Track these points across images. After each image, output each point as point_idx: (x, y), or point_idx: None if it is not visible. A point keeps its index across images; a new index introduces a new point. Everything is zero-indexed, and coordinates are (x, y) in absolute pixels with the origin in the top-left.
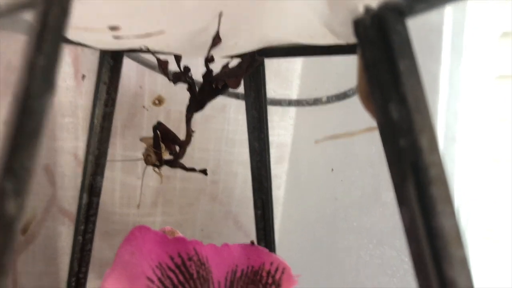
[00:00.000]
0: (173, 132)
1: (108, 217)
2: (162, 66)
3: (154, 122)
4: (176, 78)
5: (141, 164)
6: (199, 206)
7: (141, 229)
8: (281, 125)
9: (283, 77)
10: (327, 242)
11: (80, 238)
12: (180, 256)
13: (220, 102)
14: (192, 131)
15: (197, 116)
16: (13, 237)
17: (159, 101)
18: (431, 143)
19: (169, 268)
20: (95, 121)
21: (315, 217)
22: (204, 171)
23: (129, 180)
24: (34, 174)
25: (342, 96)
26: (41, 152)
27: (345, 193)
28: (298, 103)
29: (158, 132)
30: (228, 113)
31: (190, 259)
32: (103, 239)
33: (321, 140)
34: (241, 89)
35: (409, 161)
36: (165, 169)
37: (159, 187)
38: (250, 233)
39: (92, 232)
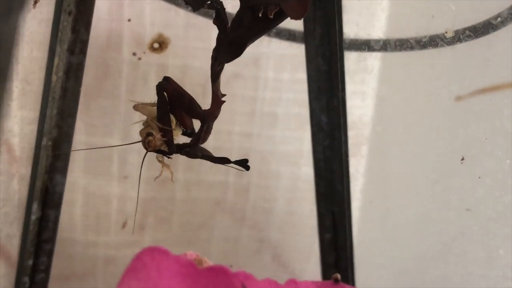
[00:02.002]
0: (189, 95)
1: (63, 248)
2: None
3: (141, 85)
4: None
5: (118, 158)
6: (214, 230)
7: (153, 253)
8: (356, 89)
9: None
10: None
11: (26, 280)
12: None
13: (249, 51)
14: (223, 95)
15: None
16: None
17: (160, 44)
18: None
19: None
20: (54, 79)
21: (423, 245)
22: (244, 163)
23: (97, 186)
24: None
25: (483, 29)
26: None
27: (487, 201)
28: (401, 44)
29: (166, 95)
30: (264, 70)
31: None
32: (55, 286)
33: (469, 94)
34: (295, 24)
35: None
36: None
37: (148, 199)
38: (300, 273)
39: (47, 271)
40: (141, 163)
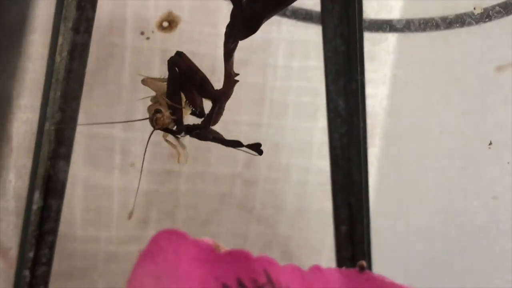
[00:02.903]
0: (202, 74)
1: (62, 244)
2: None
3: (146, 68)
4: None
5: (121, 149)
6: (221, 225)
7: (170, 236)
8: (375, 72)
9: None
10: (470, 280)
11: (26, 274)
12: (241, 284)
13: (258, 37)
14: (236, 74)
15: (217, 62)
16: None
17: (170, 22)
18: None
19: None
20: (57, 59)
21: (446, 237)
22: (257, 148)
23: (98, 177)
24: None
25: None
26: None
27: None
28: (426, 23)
29: (177, 71)
30: (273, 56)
31: None
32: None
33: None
34: (311, 3)
35: None
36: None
37: (152, 191)
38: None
39: (48, 263)
40: (145, 148)
